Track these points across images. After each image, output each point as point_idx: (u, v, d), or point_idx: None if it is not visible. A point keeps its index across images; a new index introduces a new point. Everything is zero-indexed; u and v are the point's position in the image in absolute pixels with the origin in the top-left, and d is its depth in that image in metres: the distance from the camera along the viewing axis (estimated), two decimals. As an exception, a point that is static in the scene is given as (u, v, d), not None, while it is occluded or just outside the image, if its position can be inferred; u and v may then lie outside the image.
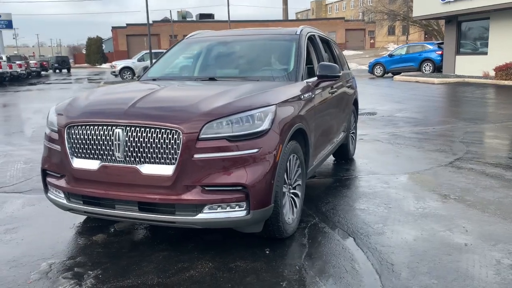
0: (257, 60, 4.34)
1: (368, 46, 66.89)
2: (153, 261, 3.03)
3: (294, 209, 3.47)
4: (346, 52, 59.79)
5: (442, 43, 22.62)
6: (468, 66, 19.93)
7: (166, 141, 2.81)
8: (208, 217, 2.84)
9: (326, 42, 5.51)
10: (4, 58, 31.23)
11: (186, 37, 4.86)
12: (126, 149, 2.87)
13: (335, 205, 4.10)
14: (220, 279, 2.76)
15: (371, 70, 23.82)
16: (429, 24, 33.22)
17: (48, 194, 3.35)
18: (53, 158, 3.24)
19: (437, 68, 22.03)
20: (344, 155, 5.86)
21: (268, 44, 4.48)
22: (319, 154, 4.23)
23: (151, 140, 2.83)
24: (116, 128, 2.90)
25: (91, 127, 2.99)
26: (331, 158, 6.02)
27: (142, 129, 2.85)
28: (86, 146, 3.01)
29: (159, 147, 2.83)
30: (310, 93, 3.82)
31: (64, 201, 3.19)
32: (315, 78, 4.04)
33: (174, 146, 2.80)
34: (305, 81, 3.89)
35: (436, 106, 12.12)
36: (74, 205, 3.15)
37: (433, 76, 19.64)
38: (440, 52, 21.97)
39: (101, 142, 2.95)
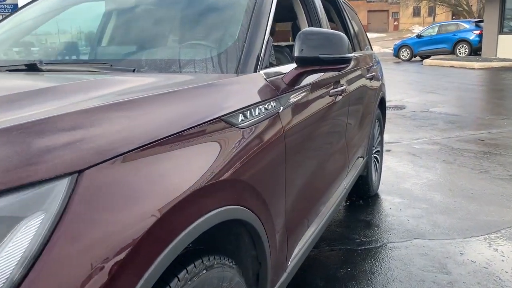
0: (157, 29, 1.94)
1: (391, 28, 63.24)
2: None
3: None
4: (368, 35, 56.51)
5: (480, 21, 19.57)
6: (514, 48, 17.05)
7: None
8: None
9: (332, 3, 3.15)
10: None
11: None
12: None
13: None
14: None
15: (397, 53, 20.93)
16: (459, 3, 30.25)
17: None
18: None
19: (474, 51, 19.02)
20: (362, 192, 3.53)
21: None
22: (306, 234, 1.92)
23: None
24: None
25: None
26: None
27: None
28: None
29: None
30: (275, 104, 1.50)
31: None
32: (292, 65, 1.71)
33: None
34: (262, 72, 1.56)
35: (482, 98, 9.52)
36: None
37: (471, 60, 16.62)
38: (478, 32, 18.92)
39: None
